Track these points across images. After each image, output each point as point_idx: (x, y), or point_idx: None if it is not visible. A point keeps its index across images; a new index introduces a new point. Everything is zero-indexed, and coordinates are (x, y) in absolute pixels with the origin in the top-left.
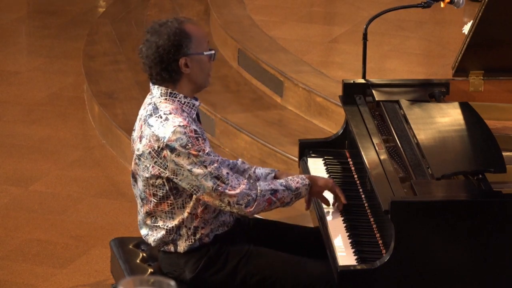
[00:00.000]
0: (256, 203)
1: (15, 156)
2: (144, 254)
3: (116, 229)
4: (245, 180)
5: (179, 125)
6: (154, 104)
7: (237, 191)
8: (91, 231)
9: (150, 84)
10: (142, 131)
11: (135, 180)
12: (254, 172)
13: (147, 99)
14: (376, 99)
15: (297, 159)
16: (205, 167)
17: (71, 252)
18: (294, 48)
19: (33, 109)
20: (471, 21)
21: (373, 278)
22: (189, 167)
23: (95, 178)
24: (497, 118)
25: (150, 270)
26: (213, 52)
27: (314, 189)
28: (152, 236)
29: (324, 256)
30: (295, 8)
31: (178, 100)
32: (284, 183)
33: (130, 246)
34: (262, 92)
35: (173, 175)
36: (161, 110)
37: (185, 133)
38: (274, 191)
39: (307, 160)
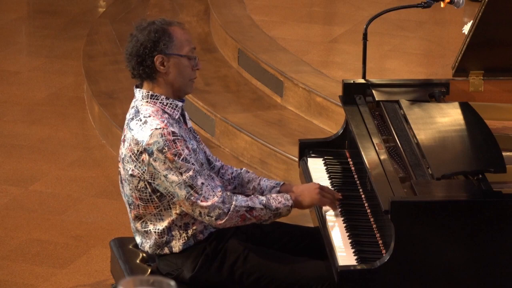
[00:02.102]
0: (227, 217)
1: (15, 156)
2: (144, 254)
3: (116, 229)
4: (220, 193)
5: (156, 128)
6: (136, 107)
7: (209, 203)
8: (91, 231)
9: (134, 88)
10: (125, 135)
11: (123, 186)
12: (259, 184)
13: (132, 103)
14: (376, 99)
15: (297, 159)
16: (180, 174)
17: (71, 252)
18: (294, 48)
19: (33, 109)
20: (471, 21)
21: (373, 278)
22: (164, 173)
23: (95, 178)
24: (497, 118)
25: (150, 270)
26: (194, 56)
27: (300, 208)
28: (146, 243)
29: (324, 256)
30: (295, 8)
31: (160, 102)
32: (264, 202)
33: (130, 246)
34: (262, 92)
35: (151, 179)
36: (141, 113)
37: (162, 135)
38: (250, 209)
39: (307, 160)
